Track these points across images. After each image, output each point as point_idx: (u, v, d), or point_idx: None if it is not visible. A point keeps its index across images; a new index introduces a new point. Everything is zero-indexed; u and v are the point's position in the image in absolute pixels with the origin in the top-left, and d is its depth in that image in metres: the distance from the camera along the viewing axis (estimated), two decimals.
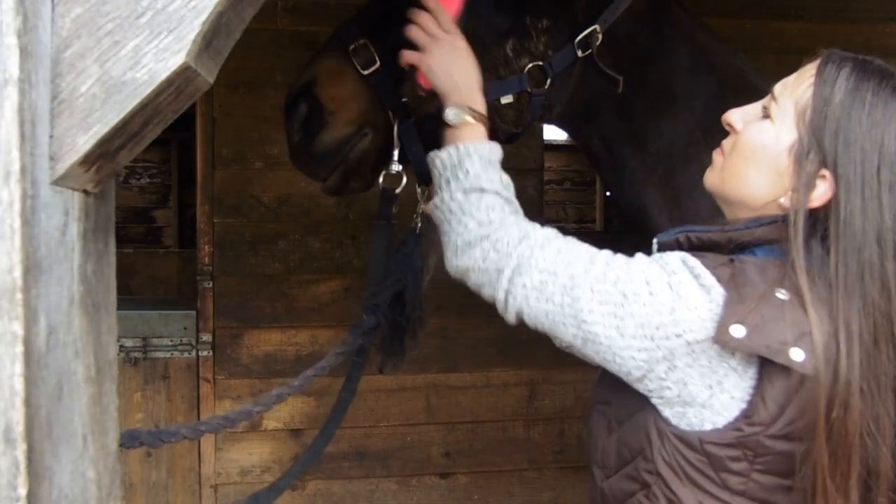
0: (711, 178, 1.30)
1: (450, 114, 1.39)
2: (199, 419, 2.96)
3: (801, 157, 1.15)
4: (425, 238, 1.65)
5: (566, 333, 1.20)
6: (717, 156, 1.30)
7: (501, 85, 1.61)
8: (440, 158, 1.37)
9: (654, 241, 1.30)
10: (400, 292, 1.59)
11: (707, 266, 1.14)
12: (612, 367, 1.18)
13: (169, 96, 0.89)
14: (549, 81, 1.64)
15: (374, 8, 1.64)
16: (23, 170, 0.77)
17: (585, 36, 1.64)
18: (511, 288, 1.23)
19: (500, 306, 1.27)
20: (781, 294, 1.10)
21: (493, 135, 1.69)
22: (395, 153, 1.59)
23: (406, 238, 1.62)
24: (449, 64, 1.44)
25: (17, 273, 0.77)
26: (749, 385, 1.11)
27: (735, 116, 1.26)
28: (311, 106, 1.60)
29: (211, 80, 0.94)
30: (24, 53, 0.78)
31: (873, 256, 1.11)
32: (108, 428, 0.98)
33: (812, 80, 1.17)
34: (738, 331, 1.06)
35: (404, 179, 1.61)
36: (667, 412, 1.15)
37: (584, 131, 1.88)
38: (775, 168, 1.18)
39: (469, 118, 1.39)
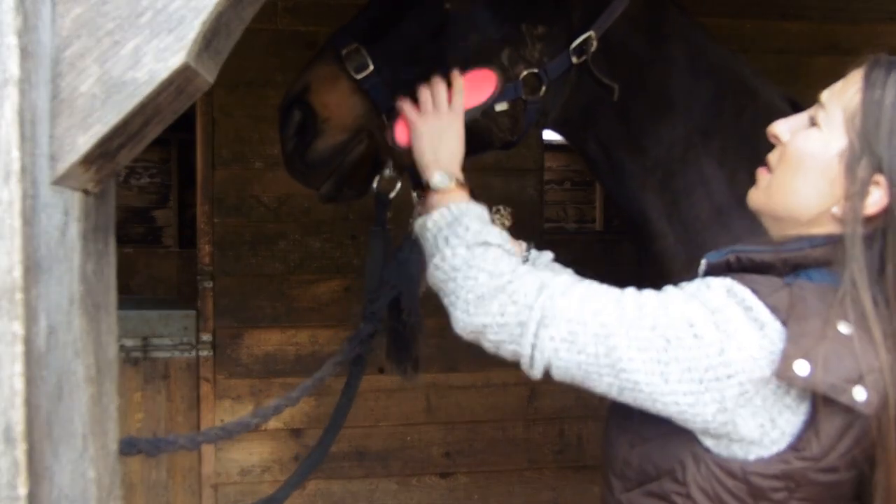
0: (756, 197, 1.24)
1: (436, 177, 1.37)
2: (199, 419, 2.97)
3: (852, 164, 1.10)
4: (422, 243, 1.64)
5: (600, 384, 1.14)
6: (762, 174, 1.24)
7: (496, 92, 1.60)
8: (433, 220, 1.32)
9: (703, 261, 1.24)
10: (396, 299, 1.59)
11: (761, 295, 1.08)
12: (651, 411, 1.13)
13: (169, 96, 0.89)
14: (543, 88, 1.63)
15: (369, 14, 1.63)
16: (23, 170, 0.77)
17: (581, 43, 1.63)
18: (537, 342, 1.16)
19: (524, 362, 1.20)
20: (844, 327, 1.05)
21: (489, 143, 1.69)
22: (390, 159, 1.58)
23: (402, 244, 1.62)
24: (439, 140, 1.43)
25: (17, 273, 0.77)
26: (801, 420, 1.07)
27: (781, 127, 1.20)
28: (304, 113, 1.59)
29: (211, 80, 0.94)
30: (24, 53, 0.78)
31: None
32: (108, 428, 0.98)
33: (860, 84, 1.12)
34: (802, 368, 1.01)
35: (398, 184, 1.61)
36: (708, 442, 1.12)
37: (582, 136, 1.86)
38: (825, 176, 1.13)
39: (453, 184, 1.37)
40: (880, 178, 1.08)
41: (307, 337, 3.02)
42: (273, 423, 3.01)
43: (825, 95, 1.17)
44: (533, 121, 1.69)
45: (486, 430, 3.14)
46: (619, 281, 1.22)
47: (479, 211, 1.33)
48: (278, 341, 3.01)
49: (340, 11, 1.81)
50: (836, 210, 1.12)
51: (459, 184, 1.39)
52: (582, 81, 1.70)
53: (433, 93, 1.48)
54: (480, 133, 1.65)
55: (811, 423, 1.06)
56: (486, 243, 1.27)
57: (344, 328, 2.92)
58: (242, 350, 2.99)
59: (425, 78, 1.56)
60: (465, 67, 1.57)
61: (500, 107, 1.62)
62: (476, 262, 1.24)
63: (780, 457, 1.08)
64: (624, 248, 3.12)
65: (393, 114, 1.54)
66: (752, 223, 1.62)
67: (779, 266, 1.13)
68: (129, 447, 1.06)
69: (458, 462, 3.12)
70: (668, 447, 1.15)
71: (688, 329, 1.08)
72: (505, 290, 1.20)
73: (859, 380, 1.02)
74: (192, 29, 0.85)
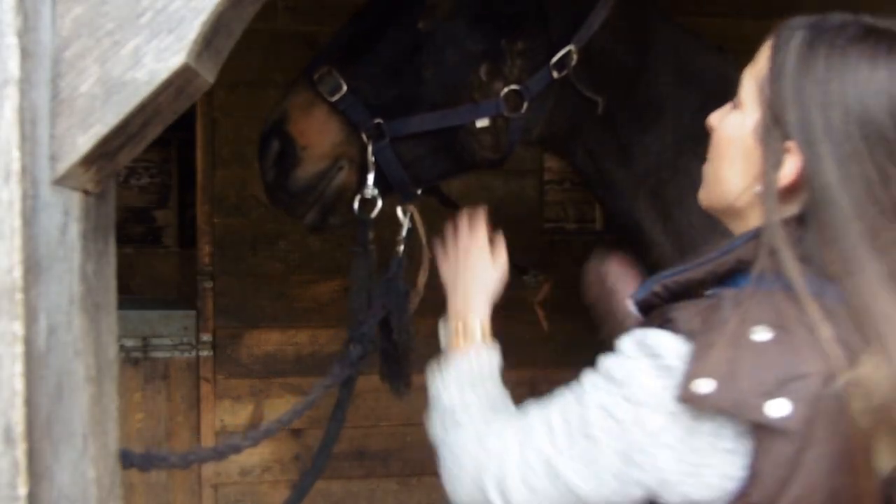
0: (702, 194, 1.15)
1: (441, 332, 1.38)
2: (199, 419, 2.97)
3: (765, 135, 1.01)
4: (421, 259, 1.64)
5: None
6: (704, 167, 1.16)
7: (476, 108, 1.59)
8: (430, 391, 1.36)
9: (631, 302, 1.13)
10: (386, 318, 1.58)
11: (675, 327, 0.96)
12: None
13: (169, 96, 0.88)
14: (525, 105, 1.60)
15: (343, 38, 1.62)
16: (23, 170, 0.77)
17: (561, 57, 1.61)
18: (505, 500, 1.09)
19: None
20: (759, 332, 0.91)
21: (473, 161, 1.67)
22: (370, 177, 1.57)
23: (390, 264, 1.61)
24: (455, 273, 1.41)
25: (18, 273, 0.77)
26: (745, 462, 0.93)
27: (713, 117, 1.14)
28: (283, 142, 1.58)
29: (211, 80, 0.94)
30: (25, 53, 0.78)
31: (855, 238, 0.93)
32: (108, 428, 0.98)
33: (769, 51, 1.04)
34: (704, 385, 0.89)
35: (379, 203, 1.58)
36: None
37: (570, 148, 1.83)
38: (745, 155, 1.04)
39: (459, 331, 1.36)
40: (791, 145, 0.98)
41: (307, 337, 3.02)
42: None
43: (745, 72, 1.09)
44: (517, 137, 1.66)
45: None
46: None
47: (463, 371, 1.33)
48: (278, 341, 3.01)
49: (340, 11, 1.80)
50: (758, 188, 1.02)
51: (464, 328, 1.36)
52: (565, 95, 1.68)
53: (455, 236, 1.46)
54: (463, 151, 1.64)
55: (752, 462, 0.92)
56: (454, 416, 1.28)
57: (344, 328, 2.91)
58: (242, 350, 2.99)
59: (405, 98, 1.56)
60: (443, 86, 1.56)
61: (481, 123, 1.60)
62: (447, 438, 1.27)
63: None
64: (624, 248, 3.11)
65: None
66: None
67: (708, 281, 1.02)
68: (123, 459, 1.06)
69: None
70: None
71: (607, 419, 0.99)
72: (465, 466, 1.18)
73: (778, 391, 0.88)
74: (192, 29, 0.85)
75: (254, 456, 3.01)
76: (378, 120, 1.55)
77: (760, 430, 0.91)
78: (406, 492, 3.11)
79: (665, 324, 0.98)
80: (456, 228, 1.46)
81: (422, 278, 1.67)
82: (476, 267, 1.41)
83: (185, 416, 2.98)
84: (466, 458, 1.18)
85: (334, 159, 1.59)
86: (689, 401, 0.91)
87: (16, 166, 0.76)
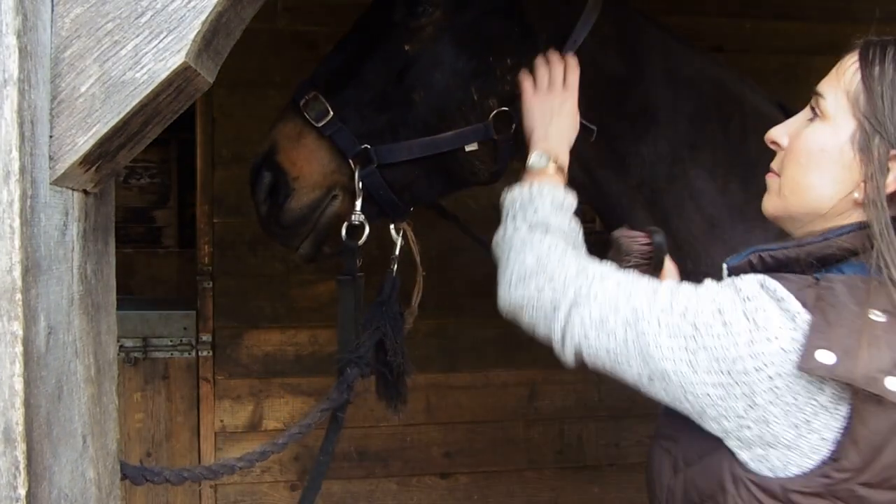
0: (772, 202, 1.20)
1: (534, 157, 1.42)
2: (198, 419, 2.97)
3: (866, 145, 1.07)
4: (416, 278, 1.63)
5: (630, 372, 1.12)
6: (771, 179, 1.21)
7: (465, 133, 1.57)
8: (511, 196, 1.38)
9: (724, 265, 1.20)
10: (381, 340, 1.57)
11: (791, 289, 1.03)
12: (683, 407, 1.09)
13: (169, 96, 0.89)
14: (514, 126, 1.58)
15: (330, 63, 1.61)
16: (22, 170, 0.77)
17: None
18: (568, 324, 1.16)
19: (556, 346, 1.19)
20: (877, 315, 0.99)
21: (465, 182, 1.67)
22: (358, 203, 1.55)
23: (383, 285, 1.60)
24: (551, 114, 1.48)
25: (17, 273, 0.77)
26: (841, 425, 0.99)
27: (779, 132, 1.20)
28: (274, 173, 1.57)
29: (211, 79, 0.94)
30: (24, 53, 0.78)
31: None
32: (108, 428, 0.98)
33: (857, 65, 1.11)
34: (826, 357, 0.95)
35: (367, 229, 1.57)
36: (744, 455, 1.05)
37: None
38: (840, 164, 1.10)
39: (551, 166, 1.41)
40: None
41: (307, 337, 3.02)
42: (273, 424, 3.01)
43: (823, 87, 1.16)
44: (508, 156, 1.64)
45: (486, 430, 3.13)
46: None
47: (558, 195, 1.36)
48: (278, 341, 3.01)
49: (340, 11, 1.80)
50: (857, 195, 1.08)
51: (557, 168, 1.42)
52: None
53: (550, 71, 1.52)
54: (454, 174, 1.63)
55: (848, 428, 0.98)
56: (546, 228, 1.30)
57: None
58: (242, 350, 2.99)
59: (394, 122, 1.54)
60: (433, 108, 1.55)
61: (470, 147, 1.58)
62: (532, 243, 1.28)
63: (819, 470, 1.00)
64: None
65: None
66: (748, 234, 1.58)
67: (804, 261, 1.09)
68: None
69: (458, 462, 3.12)
70: (707, 468, 1.09)
71: (717, 316, 1.05)
72: (545, 271, 1.22)
73: (894, 369, 0.94)
74: (192, 29, 0.85)
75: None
76: (365, 145, 1.53)
77: (863, 401, 0.97)
78: (406, 492, 3.11)
79: (778, 279, 1.05)
80: (550, 64, 1.53)
81: (416, 298, 1.66)
82: (569, 118, 1.51)
83: (185, 417, 2.98)
84: (553, 266, 1.23)
85: (327, 189, 1.58)
86: (811, 370, 0.96)
87: (15, 166, 0.76)
